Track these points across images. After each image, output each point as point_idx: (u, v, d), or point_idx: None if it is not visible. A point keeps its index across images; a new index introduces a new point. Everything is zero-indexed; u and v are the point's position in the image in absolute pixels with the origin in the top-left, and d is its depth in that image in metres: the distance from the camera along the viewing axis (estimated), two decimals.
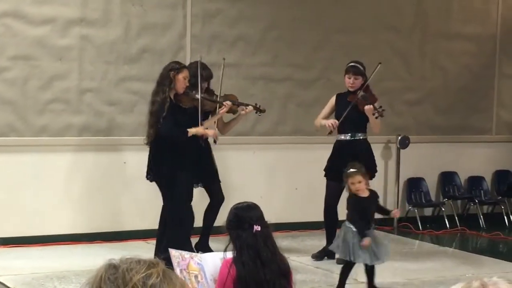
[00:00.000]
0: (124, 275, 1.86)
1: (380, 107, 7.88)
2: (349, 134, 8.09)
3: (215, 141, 7.89)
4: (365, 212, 6.86)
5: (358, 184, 6.82)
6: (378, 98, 8.13)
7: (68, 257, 8.07)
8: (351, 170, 6.87)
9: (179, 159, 7.40)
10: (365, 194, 6.89)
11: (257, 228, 4.15)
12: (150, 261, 1.92)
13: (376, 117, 7.86)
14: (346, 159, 8.02)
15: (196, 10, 9.28)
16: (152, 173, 7.58)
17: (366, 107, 7.83)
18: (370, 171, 8.17)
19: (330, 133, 8.11)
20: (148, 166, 7.62)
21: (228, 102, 7.93)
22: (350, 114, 7.98)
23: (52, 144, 8.70)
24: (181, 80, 7.46)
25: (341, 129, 8.14)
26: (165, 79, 7.46)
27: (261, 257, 4.13)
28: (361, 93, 7.97)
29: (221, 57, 9.26)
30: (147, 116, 7.53)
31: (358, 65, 8.10)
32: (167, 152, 7.41)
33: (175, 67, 7.54)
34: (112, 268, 1.91)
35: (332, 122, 8.08)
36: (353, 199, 6.90)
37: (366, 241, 6.67)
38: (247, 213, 4.25)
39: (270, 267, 4.14)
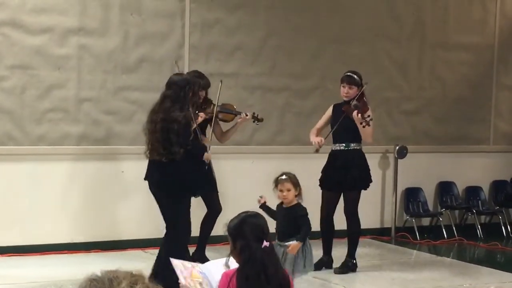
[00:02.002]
0: (110, 283, 1.91)
1: (368, 116, 7.86)
2: (343, 144, 8.09)
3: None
4: (281, 222, 6.63)
5: (287, 192, 6.58)
6: (370, 108, 8.10)
7: (66, 267, 8.05)
8: (282, 177, 6.64)
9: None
10: (289, 205, 6.63)
11: (266, 244, 4.09)
12: (131, 271, 2.00)
13: (364, 126, 7.85)
14: (339, 169, 8.04)
15: (195, 20, 9.29)
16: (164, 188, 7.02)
17: (354, 114, 7.83)
18: (363, 181, 8.18)
19: (317, 150, 8.11)
20: (159, 181, 7.03)
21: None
22: (344, 124, 7.98)
23: (50, 153, 8.69)
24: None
25: (335, 139, 8.15)
26: (186, 92, 6.86)
27: (267, 272, 4.06)
28: (354, 102, 7.98)
29: (219, 66, 9.31)
30: (160, 133, 6.83)
31: (353, 75, 8.10)
32: (189, 170, 6.95)
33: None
34: (93, 281, 1.94)
35: (318, 140, 8.10)
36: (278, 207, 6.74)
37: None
38: (257, 221, 4.19)
39: (272, 283, 4.09)
